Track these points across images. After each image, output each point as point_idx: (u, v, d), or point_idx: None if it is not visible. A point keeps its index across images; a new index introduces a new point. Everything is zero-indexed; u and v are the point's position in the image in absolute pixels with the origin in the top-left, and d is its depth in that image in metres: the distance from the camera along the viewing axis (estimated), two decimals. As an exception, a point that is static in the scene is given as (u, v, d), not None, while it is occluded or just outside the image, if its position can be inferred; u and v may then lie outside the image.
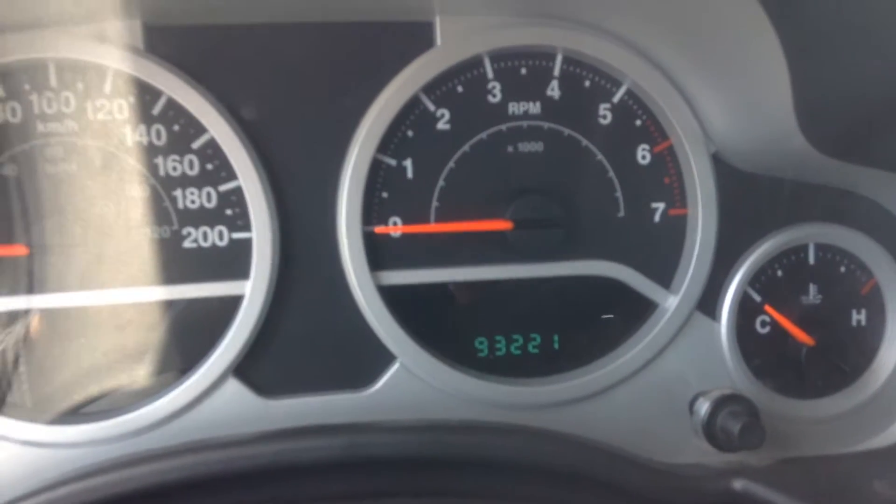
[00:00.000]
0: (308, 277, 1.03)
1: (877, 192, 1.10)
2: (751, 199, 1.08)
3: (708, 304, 1.09)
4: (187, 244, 1.00)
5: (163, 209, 0.99)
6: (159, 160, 0.98)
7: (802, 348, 1.10)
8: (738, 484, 0.95)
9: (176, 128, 0.98)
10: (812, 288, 1.11)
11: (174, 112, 0.98)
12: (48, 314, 0.99)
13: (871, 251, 1.11)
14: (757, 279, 1.10)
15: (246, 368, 1.02)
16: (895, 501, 0.93)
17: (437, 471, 0.95)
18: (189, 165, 0.99)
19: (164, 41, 0.96)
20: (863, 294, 1.12)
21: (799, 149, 0.95)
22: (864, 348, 1.13)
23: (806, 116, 0.88)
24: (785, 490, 0.92)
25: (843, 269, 1.12)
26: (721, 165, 1.07)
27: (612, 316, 1.10)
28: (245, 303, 1.00)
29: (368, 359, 1.04)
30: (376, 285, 1.02)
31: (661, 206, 1.08)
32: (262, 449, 0.90)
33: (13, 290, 0.97)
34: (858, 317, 1.13)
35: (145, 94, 0.97)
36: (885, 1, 0.78)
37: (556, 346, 1.10)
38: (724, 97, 1.01)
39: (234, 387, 1.01)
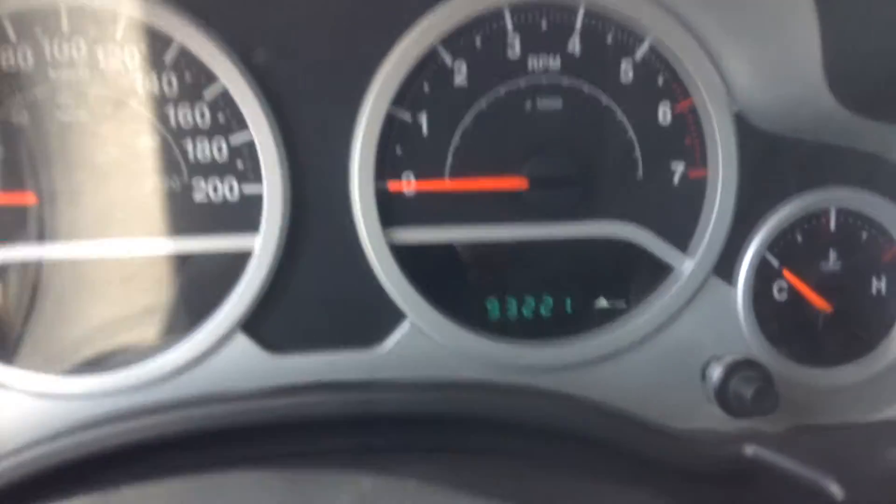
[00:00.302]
0: (319, 232, 1.01)
1: (904, 156, 1.07)
2: (773, 161, 1.06)
3: (725, 268, 1.07)
4: (197, 196, 0.99)
5: (173, 160, 0.98)
6: (170, 110, 0.97)
7: (820, 315, 1.08)
8: (749, 449, 0.94)
9: (188, 77, 0.97)
10: (832, 254, 1.09)
11: (186, 60, 0.96)
12: (57, 265, 0.99)
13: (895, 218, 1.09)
14: (776, 244, 1.07)
15: (254, 324, 1.01)
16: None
17: (447, 430, 0.94)
18: (200, 116, 0.97)
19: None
20: (884, 262, 1.10)
21: (827, 107, 0.93)
22: (883, 317, 1.11)
23: (835, 73, 0.86)
24: (797, 456, 0.91)
25: (864, 235, 1.09)
26: (744, 126, 1.04)
27: (627, 278, 1.08)
28: (254, 257, 0.99)
29: (378, 317, 1.03)
30: (388, 242, 1.01)
31: (680, 167, 1.06)
32: (268, 404, 0.90)
33: (22, 239, 0.97)
34: (879, 285, 1.10)
35: (157, 42, 0.95)
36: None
37: (569, 309, 1.09)
38: (749, 53, 0.98)
39: (242, 342, 1.01)
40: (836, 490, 0.84)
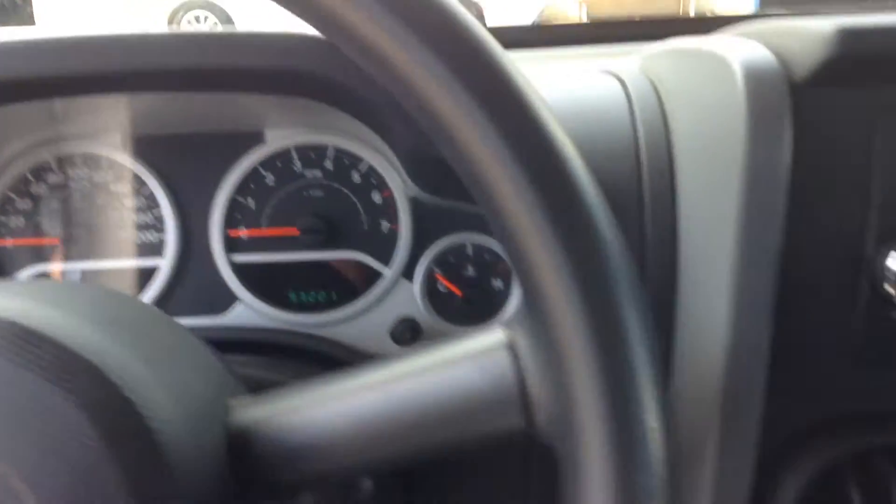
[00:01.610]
0: (196, 257, 2.01)
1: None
2: (433, 217, 2.03)
3: (408, 273, 2.02)
4: (143, 238, 2.01)
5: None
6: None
7: (459, 299, 2.04)
8: (398, 355, 1.88)
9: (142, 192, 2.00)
10: (469, 266, 2.06)
11: (134, 179, 2.00)
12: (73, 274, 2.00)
13: (500, 247, 2.06)
14: (437, 260, 2.05)
15: (162, 304, 2.01)
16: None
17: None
18: (143, 204, 2.01)
19: (138, 145, 1.99)
20: (498, 270, 2.06)
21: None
22: (498, 301, 2.05)
23: (411, 172, 1.86)
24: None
25: (486, 256, 2.06)
26: (415, 202, 2.03)
27: (361, 280, 2.06)
28: (160, 270, 1.99)
29: (225, 297, 1.99)
30: (230, 262, 1.98)
31: (386, 223, 2.05)
32: None
33: (52, 261, 1.99)
34: (496, 283, 2.06)
35: (125, 173, 1.99)
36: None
37: (334, 297, 2.06)
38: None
39: None
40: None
